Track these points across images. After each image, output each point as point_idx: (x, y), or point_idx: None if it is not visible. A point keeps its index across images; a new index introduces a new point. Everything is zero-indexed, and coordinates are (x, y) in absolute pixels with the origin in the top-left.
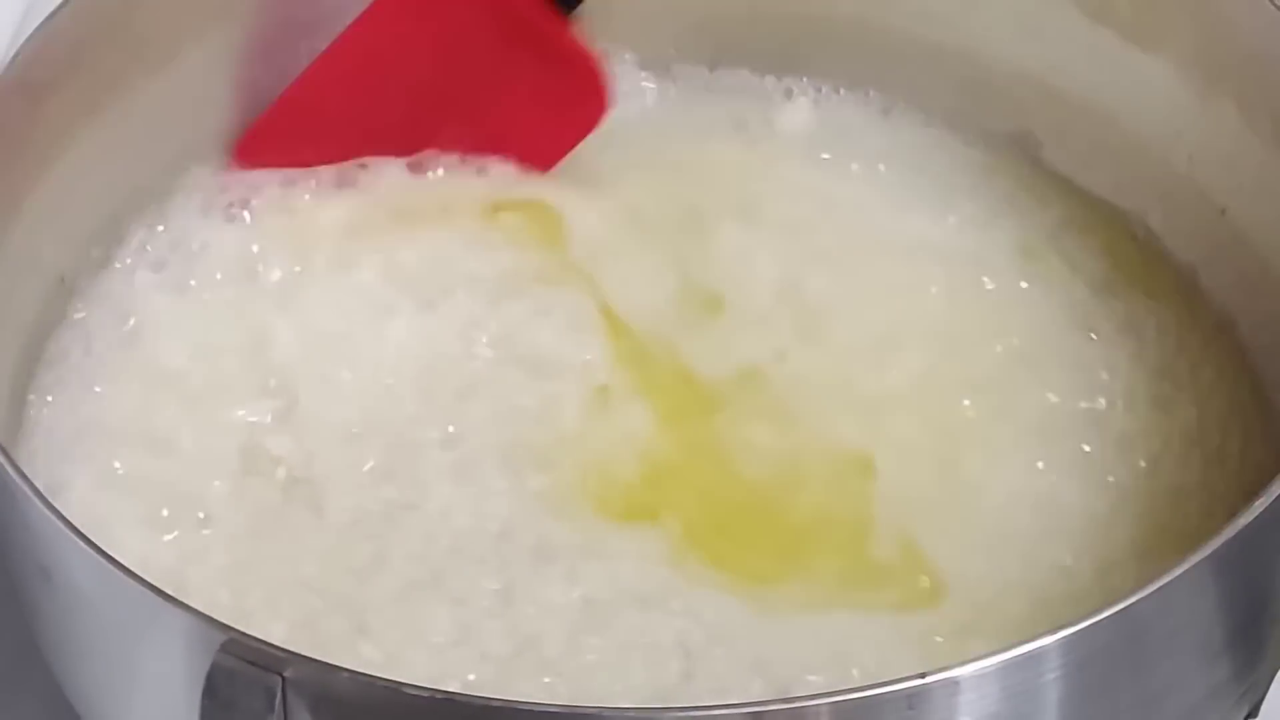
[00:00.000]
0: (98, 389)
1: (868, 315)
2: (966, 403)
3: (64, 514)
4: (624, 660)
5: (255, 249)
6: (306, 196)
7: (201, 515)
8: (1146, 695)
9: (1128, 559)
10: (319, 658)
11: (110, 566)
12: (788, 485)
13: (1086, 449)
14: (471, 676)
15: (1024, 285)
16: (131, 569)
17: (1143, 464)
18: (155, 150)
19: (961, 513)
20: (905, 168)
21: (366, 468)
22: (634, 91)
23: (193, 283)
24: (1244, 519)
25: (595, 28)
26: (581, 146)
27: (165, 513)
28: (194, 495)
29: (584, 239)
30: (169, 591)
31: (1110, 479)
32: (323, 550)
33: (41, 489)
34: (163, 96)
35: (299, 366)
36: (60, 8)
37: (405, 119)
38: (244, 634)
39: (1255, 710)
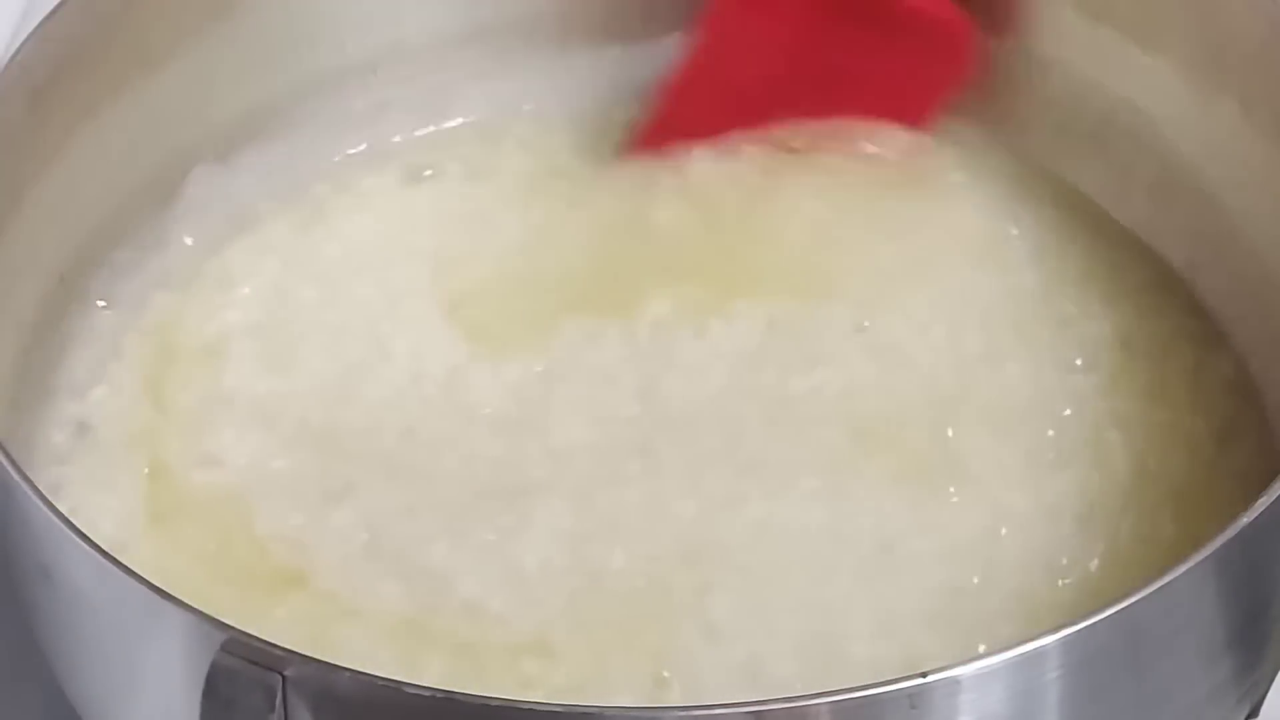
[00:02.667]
0: (100, 389)
1: None
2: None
3: (64, 513)
4: None
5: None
6: None
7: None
8: (1147, 695)
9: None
10: (319, 657)
11: (110, 565)
12: None
13: (1080, 447)
14: None
15: (1014, 282)
16: (132, 567)
17: (1138, 465)
18: (155, 149)
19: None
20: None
21: None
22: None
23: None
24: (1245, 519)
25: None
26: None
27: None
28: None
29: None
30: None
31: (1104, 481)
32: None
33: (42, 487)
34: (162, 95)
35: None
36: (59, 7)
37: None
38: (244, 633)
39: (1256, 710)
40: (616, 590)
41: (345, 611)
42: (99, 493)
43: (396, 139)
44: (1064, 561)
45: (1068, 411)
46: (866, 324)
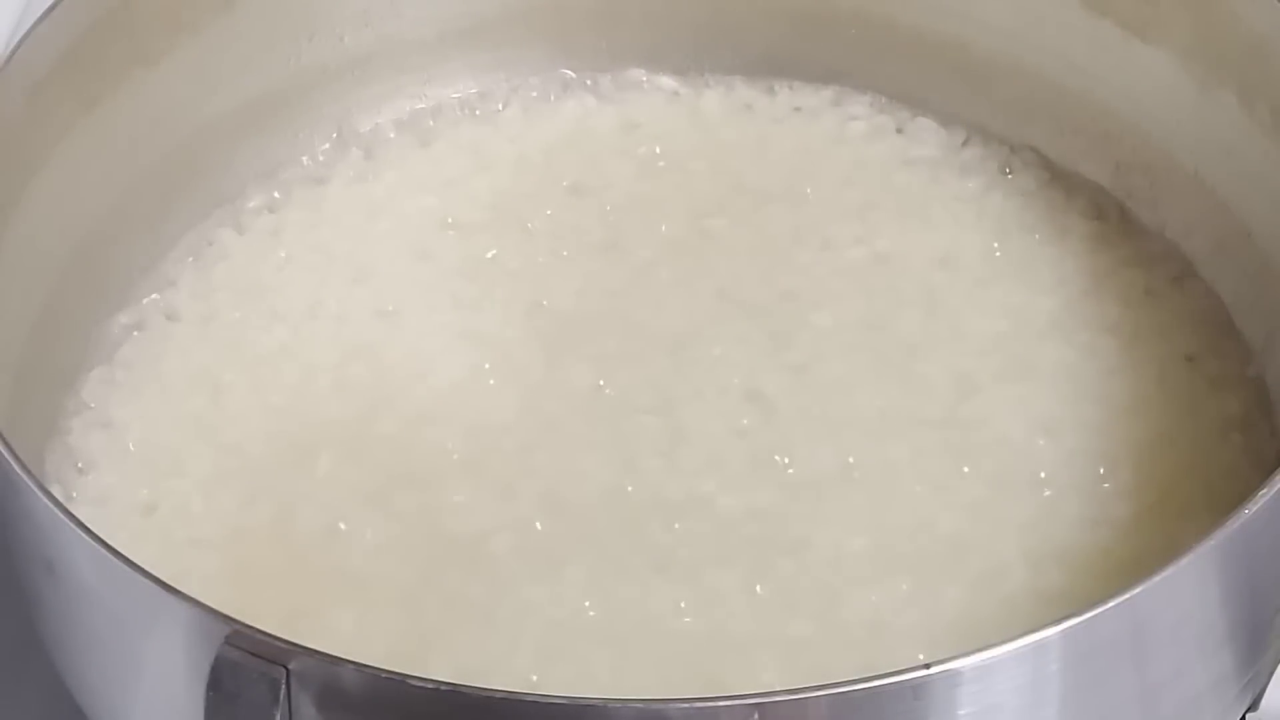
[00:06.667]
0: (102, 383)
1: None
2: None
3: (67, 507)
4: None
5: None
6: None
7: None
8: (1148, 686)
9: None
10: (322, 649)
11: (114, 559)
12: None
13: (1085, 440)
14: None
15: (1014, 277)
16: (135, 561)
17: (1142, 456)
18: (154, 144)
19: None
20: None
21: None
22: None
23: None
24: (1246, 510)
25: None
26: None
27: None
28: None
29: None
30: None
31: (1109, 467)
32: None
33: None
34: (161, 90)
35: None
36: (58, 2)
37: None
38: (248, 626)
39: (1256, 703)
40: None
41: None
42: (102, 485)
43: (394, 131)
44: (1067, 547)
45: (1070, 402)
46: None
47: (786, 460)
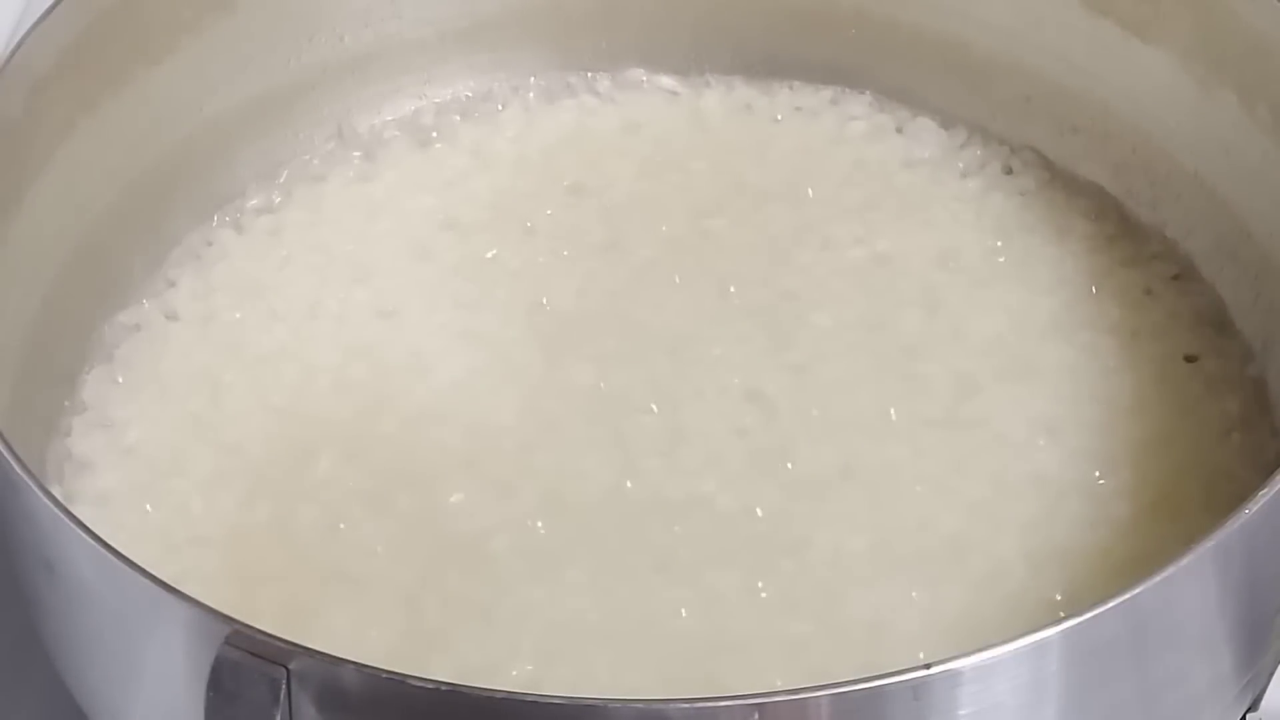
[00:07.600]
0: (103, 381)
1: None
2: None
3: (67, 507)
4: None
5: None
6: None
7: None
8: (1148, 686)
9: (1129, 541)
10: (322, 649)
11: (114, 559)
12: None
13: (1085, 440)
14: None
15: (1014, 277)
16: (135, 561)
17: (1142, 456)
18: (155, 143)
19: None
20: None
21: None
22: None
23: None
24: (1246, 510)
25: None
26: None
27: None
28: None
29: None
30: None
31: (1109, 467)
32: None
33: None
34: (162, 89)
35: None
36: (58, 2)
37: None
38: (248, 626)
39: (1256, 704)
40: None
41: None
42: (102, 485)
43: (394, 131)
44: (1067, 548)
45: (1070, 402)
46: None
47: (786, 460)
